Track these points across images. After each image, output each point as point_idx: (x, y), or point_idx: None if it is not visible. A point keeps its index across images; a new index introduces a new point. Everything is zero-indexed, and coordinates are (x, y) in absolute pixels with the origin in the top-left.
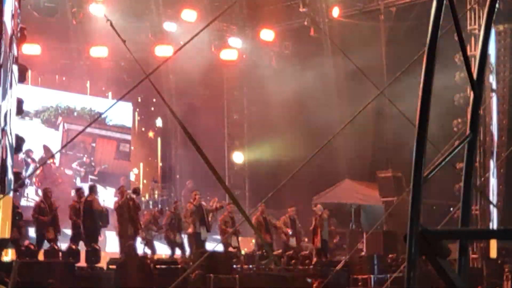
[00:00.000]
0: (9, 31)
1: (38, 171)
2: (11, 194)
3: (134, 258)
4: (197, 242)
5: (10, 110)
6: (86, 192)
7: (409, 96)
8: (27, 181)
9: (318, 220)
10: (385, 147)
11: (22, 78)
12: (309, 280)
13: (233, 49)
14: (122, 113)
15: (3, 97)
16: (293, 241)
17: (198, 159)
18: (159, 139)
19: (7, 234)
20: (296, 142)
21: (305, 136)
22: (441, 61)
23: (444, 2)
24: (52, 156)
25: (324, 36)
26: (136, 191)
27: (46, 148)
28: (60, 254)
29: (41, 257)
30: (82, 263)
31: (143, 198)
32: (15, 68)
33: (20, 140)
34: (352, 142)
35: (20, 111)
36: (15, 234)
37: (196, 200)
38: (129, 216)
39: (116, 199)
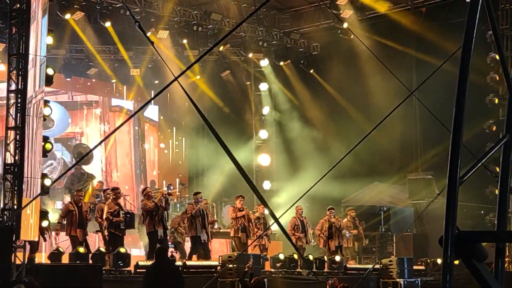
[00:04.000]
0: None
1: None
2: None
3: (166, 262)
4: (240, 246)
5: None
6: None
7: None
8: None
9: (335, 224)
10: (415, 148)
11: (48, 82)
12: (330, 281)
13: (261, 47)
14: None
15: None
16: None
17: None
18: (185, 141)
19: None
20: (326, 144)
21: (335, 136)
22: (472, 60)
23: (480, 1)
24: (84, 157)
25: (352, 36)
26: (170, 192)
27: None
28: (90, 256)
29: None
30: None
31: (171, 202)
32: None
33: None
34: (381, 143)
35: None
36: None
37: (241, 206)
38: (158, 218)
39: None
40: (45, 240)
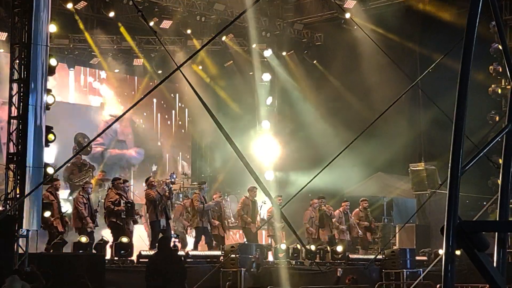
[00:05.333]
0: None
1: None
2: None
3: (169, 251)
4: (248, 236)
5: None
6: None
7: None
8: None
9: (324, 213)
10: (418, 139)
11: (51, 72)
12: (340, 269)
13: (264, 38)
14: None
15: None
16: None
17: (229, 151)
18: (189, 131)
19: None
20: (329, 134)
21: (338, 127)
22: (475, 51)
23: None
24: (87, 146)
25: (355, 26)
26: (173, 181)
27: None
28: (93, 245)
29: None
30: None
31: (174, 191)
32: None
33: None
34: (384, 134)
35: (48, 105)
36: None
37: (252, 195)
38: (161, 208)
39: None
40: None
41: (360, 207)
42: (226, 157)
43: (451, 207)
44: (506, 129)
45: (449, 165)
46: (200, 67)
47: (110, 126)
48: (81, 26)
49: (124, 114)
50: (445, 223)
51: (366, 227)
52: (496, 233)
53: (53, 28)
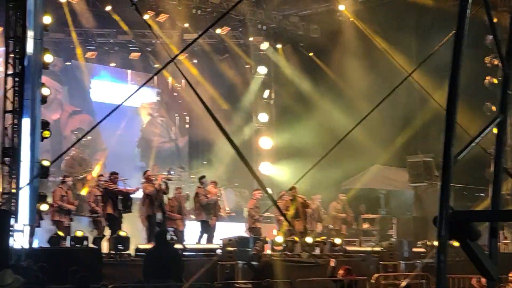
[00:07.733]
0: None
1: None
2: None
3: (166, 245)
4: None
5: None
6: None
7: None
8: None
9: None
10: (414, 131)
11: (46, 66)
12: (333, 260)
13: (260, 31)
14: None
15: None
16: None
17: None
18: (186, 125)
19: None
20: (326, 126)
21: (335, 119)
22: (471, 43)
23: None
24: (83, 137)
25: (351, 19)
26: (169, 177)
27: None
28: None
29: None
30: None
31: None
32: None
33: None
34: (381, 126)
35: (44, 99)
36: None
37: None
38: (158, 202)
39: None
40: None
41: (338, 199)
42: (222, 150)
43: (444, 197)
44: (498, 119)
45: (442, 154)
46: (195, 61)
47: (104, 118)
48: (68, 18)
49: (117, 107)
50: (438, 213)
51: (343, 219)
52: (488, 223)
53: (47, 19)
